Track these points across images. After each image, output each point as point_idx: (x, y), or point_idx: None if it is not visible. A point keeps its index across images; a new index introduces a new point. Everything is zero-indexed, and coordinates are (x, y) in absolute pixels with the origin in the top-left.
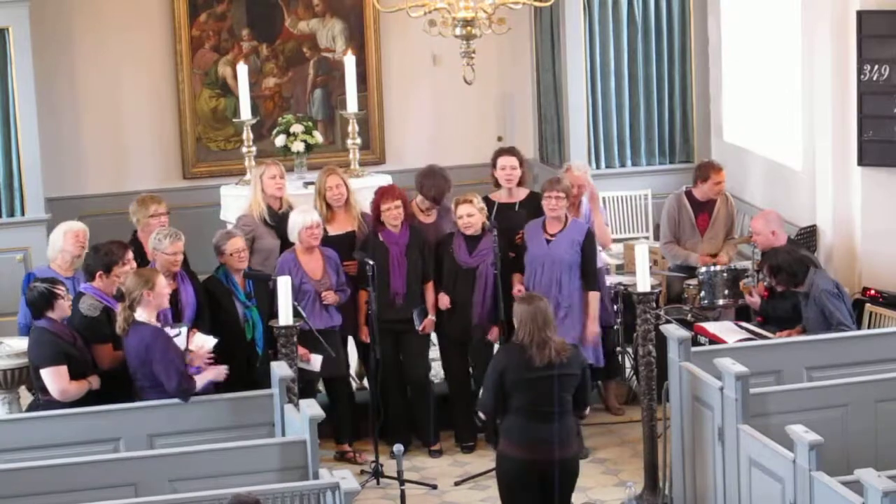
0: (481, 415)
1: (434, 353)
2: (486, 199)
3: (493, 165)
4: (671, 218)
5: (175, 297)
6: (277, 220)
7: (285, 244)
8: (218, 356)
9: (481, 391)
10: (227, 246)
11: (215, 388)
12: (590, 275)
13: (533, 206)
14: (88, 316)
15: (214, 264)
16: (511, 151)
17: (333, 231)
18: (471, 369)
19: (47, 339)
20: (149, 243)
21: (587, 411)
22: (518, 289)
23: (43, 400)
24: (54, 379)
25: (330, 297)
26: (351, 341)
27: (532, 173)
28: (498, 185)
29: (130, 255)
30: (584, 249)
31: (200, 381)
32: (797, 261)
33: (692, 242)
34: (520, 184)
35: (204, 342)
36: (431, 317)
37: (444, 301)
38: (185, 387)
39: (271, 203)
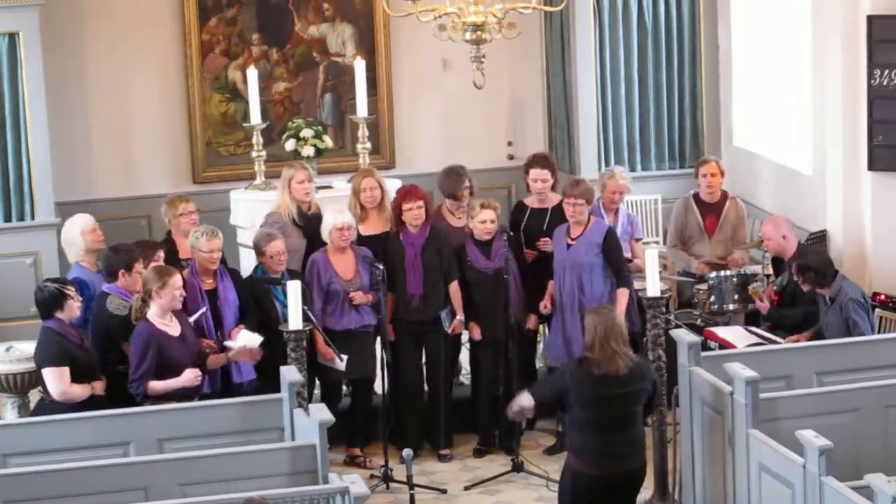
0: (524, 402)
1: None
2: (520, 204)
3: (526, 173)
4: (678, 220)
5: (214, 296)
6: (306, 220)
7: (311, 244)
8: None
9: (544, 385)
10: (269, 248)
11: (260, 384)
12: (618, 273)
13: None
14: (118, 315)
15: None
16: (543, 162)
17: (366, 231)
18: (504, 370)
19: (52, 339)
20: (188, 242)
21: (649, 419)
22: (544, 304)
23: (48, 400)
24: (55, 379)
25: (358, 297)
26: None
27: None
28: (529, 191)
29: (160, 254)
30: (604, 250)
31: (163, 386)
32: (826, 262)
33: (700, 245)
34: (552, 189)
35: (249, 340)
36: (460, 318)
37: (476, 333)
38: (136, 390)
39: (300, 205)
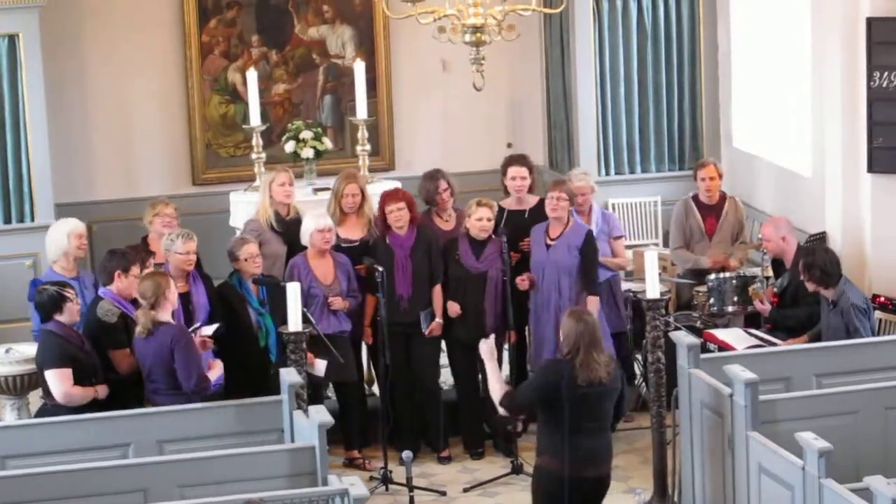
0: (502, 410)
1: (443, 359)
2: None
3: (503, 173)
4: (679, 223)
5: (187, 299)
6: (285, 226)
7: (292, 250)
8: (231, 362)
9: (521, 388)
10: (242, 251)
11: (227, 394)
12: (588, 279)
13: (543, 212)
14: (106, 322)
15: (224, 270)
16: (521, 161)
17: (344, 234)
18: (479, 375)
19: (54, 341)
20: (161, 245)
21: (618, 423)
22: (521, 278)
23: (51, 404)
24: (58, 381)
25: (337, 303)
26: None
27: (542, 180)
28: (507, 193)
29: (152, 260)
30: (582, 253)
31: (213, 376)
32: (834, 262)
33: (700, 246)
34: (529, 191)
35: (204, 330)
36: (439, 320)
37: (454, 308)
38: (202, 386)
39: (279, 209)
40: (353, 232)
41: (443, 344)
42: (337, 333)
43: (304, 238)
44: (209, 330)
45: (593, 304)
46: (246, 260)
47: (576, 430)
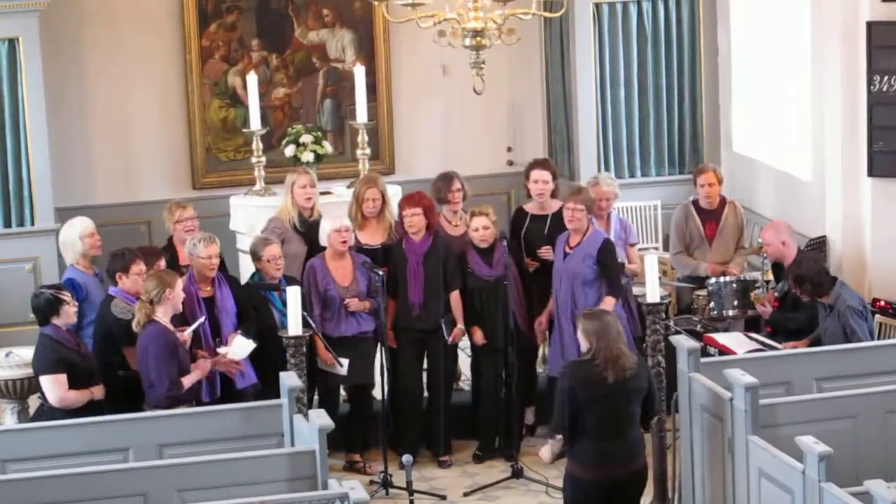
0: (558, 437)
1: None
2: (520, 211)
3: (526, 177)
4: (679, 228)
5: (211, 304)
6: (307, 226)
7: (312, 252)
8: (254, 362)
9: (554, 411)
10: (265, 252)
11: (256, 392)
12: (611, 284)
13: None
14: (122, 319)
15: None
16: (544, 165)
17: (364, 239)
18: (504, 375)
19: (49, 346)
20: (185, 250)
21: (655, 420)
22: (539, 321)
23: (47, 406)
24: (53, 386)
25: (353, 304)
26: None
27: None
28: (530, 196)
29: (162, 262)
30: (599, 262)
31: (188, 382)
32: (822, 271)
33: (700, 251)
34: (553, 196)
35: (242, 346)
36: (460, 326)
37: (479, 337)
38: (172, 393)
39: (302, 210)
40: (374, 237)
41: (467, 346)
42: (358, 335)
43: (323, 239)
44: (244, 350)
45: (609, 304)
46: (269, 261)
47: (600, 432)
